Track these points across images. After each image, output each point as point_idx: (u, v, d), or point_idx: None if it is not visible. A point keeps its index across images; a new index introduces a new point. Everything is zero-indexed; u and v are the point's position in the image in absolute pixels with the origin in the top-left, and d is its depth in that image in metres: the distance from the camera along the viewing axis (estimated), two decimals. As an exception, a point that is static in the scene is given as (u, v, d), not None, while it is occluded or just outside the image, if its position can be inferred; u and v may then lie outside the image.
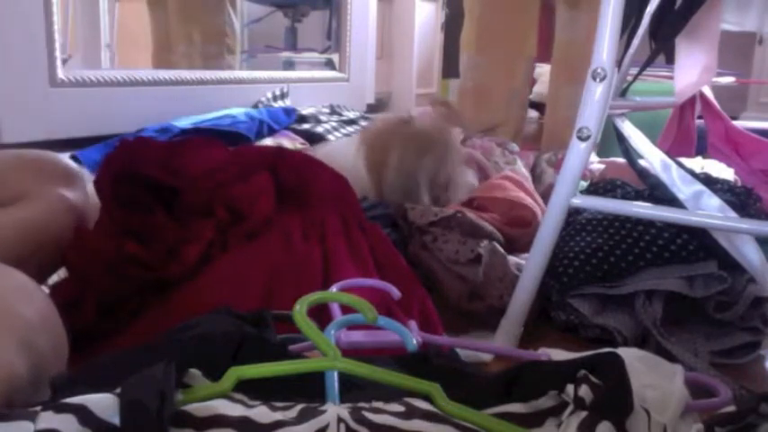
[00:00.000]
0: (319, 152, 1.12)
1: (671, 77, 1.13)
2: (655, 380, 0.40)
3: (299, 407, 0.34)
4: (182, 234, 0.68)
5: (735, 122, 1.50)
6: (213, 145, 0.78)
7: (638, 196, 0.91)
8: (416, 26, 2.91)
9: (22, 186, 0.64)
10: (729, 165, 1.37)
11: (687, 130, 1.50)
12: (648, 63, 1.02)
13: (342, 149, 1.13)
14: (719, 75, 2.08)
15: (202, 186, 0.71)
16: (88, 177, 0.72)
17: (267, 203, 0.72)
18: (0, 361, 0.35)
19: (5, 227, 0.61)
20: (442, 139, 1.08)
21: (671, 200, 0.83)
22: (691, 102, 1.45)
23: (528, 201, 1.03)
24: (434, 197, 1.04)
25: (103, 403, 0.30)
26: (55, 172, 0.67)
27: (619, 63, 0.98)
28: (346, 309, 0.49)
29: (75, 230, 0.66)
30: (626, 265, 0.81)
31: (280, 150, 0.80)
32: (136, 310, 0.65)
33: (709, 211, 0.77)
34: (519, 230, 0.96)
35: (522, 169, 1.31)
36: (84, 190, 0.69)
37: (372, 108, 2.36)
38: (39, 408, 0.30)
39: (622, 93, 1.04)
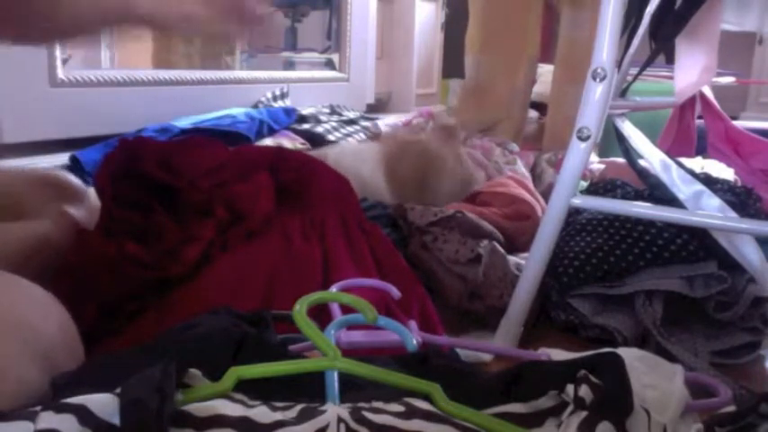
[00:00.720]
0: (330, 153, 1.13)
1: (671, 77, 1.13)
2: (655, 380, 0.40)
3: (299, 407, 0.34)
4: (182, 234, 0.68)
5: (735, 122, 1.50)
6: (213, 144, 0.78)
7: (637, 196, 0.91)
8: (416, 26, 2.91)
9: (28, 203, 0.65)
10: (729, 165, 1.37)
11: (687, 130, 1.51)
12: (648, 63, 1.02)
13: (354, 155, 1.15)
14: (719, 75, 2.08)
15: (202, 186, 0.71)
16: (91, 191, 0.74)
17: (267, 203, 0.72)
18: (13, 374, 0.35)
19: (11, 241, 0.61)
20: (456, 161, 1.16)
21: (671, 200, 0.83)
22: (691, 102, 1.45)
23: (527, 197, 1.04)
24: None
25: (103, 403, 0.30)
26: (61, 190, 0.69)
27: (619, 63, 0.98)
28: (346, 309, 0.49)
29: (75, 232, 0.66)
30: (626, 265, 0.81)
31: (280, 150, 0.80)
32: (136, 310, 0.65)
33: (710, 211, 0.77)
34: (518, 223, 0.97)
35: (522, 169, 1.31)
36: (89, 207, 0.71)
37: (372, 108, 2.36)
38: (39, 408, 0.30)
39: (622, 93, 1.04)
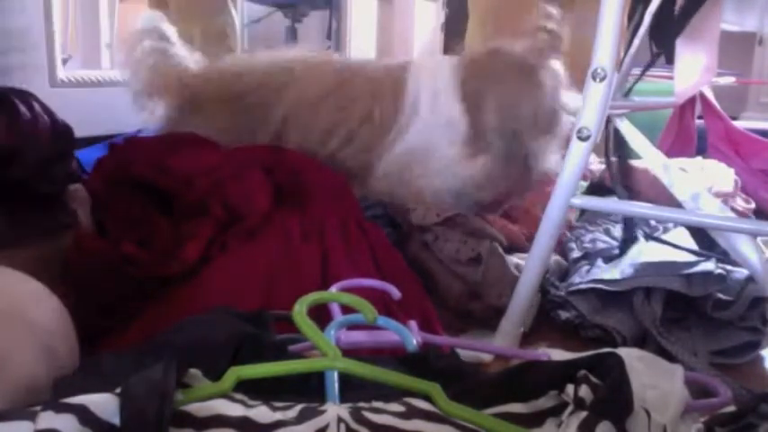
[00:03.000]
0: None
1: (671, 77, 1.13)
2: (655, 380, 0.40)
3: (299, 407, 0.34)
4: (179, 233, 0.68)
5: (735, 122, 1.50)
6: (206, 144, 0.78)
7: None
8: (416, 26, 2.91)
9: None
10: (729, 165, 1.37)
11: (687, 130, 1.51)
12: (650, 65, 1.02)
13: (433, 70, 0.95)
14: (719, 75, 2.08)
15: (198, 185, 0.71)
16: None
17: (263, 201, 0.72)
18: (21, 367, 0.36)
19: None
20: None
21: None
22: (691, 102, 1.45)
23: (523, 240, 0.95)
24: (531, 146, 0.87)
25: (103, 403, 0.30)
26: None
27: (620, 63, 0.98)
28: (346, 309, 0.49)
29: (74, 233, 0.67)
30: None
31: (276, 150, 0.80)
32: (136, 310, 0.65)
33: (709, 212, 0.77)
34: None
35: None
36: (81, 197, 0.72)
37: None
38: (39, 408, 0.30)
39: (626, 94, 1.04)
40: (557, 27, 0.97)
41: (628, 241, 0.91)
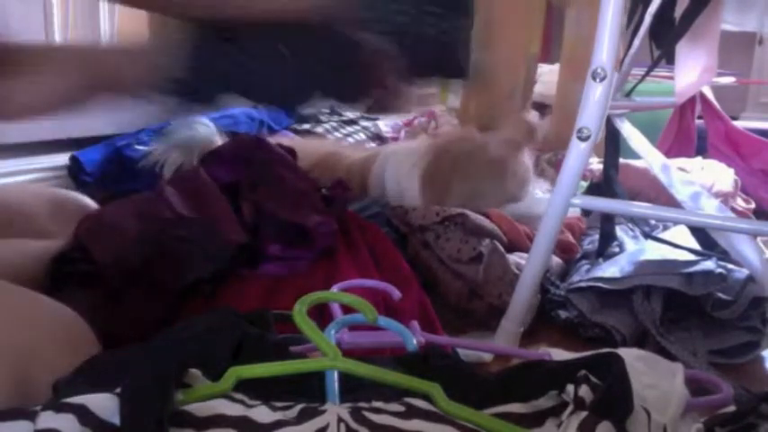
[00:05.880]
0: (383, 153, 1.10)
1: (671, 77, 1.13)
2: (655, 380, 0.40)
3: (299, 407, 0.34)
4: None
5: (735, 122, 1.50)
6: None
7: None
8: (416, 26, 2.90)
9: (42, 223, 0.69)
10: (729, 165, 1.37)
11: (687, 130, 1.51)
12: (653, 67, 1.02)
13: (406, 155, 1.08)
14: (719, 75, 2.08)
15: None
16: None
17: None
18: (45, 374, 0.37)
19: (28, 259, 0.64)
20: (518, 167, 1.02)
21: None
22: (691, 102, 1.45)
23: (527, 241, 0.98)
24: None
25: (103, 403, 0.30)
26: (73, 210, 0.73)
27: (620, 63, 0.98)
28: (346, 309, 0.49)
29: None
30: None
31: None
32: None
33: (708, 212, 0.77)
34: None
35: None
36: None
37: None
38: (39, 407, 0.30)
39: (627, 94, 1.04)
40: (535, 122, 1.12)
41: (607, 237, 0.92)
